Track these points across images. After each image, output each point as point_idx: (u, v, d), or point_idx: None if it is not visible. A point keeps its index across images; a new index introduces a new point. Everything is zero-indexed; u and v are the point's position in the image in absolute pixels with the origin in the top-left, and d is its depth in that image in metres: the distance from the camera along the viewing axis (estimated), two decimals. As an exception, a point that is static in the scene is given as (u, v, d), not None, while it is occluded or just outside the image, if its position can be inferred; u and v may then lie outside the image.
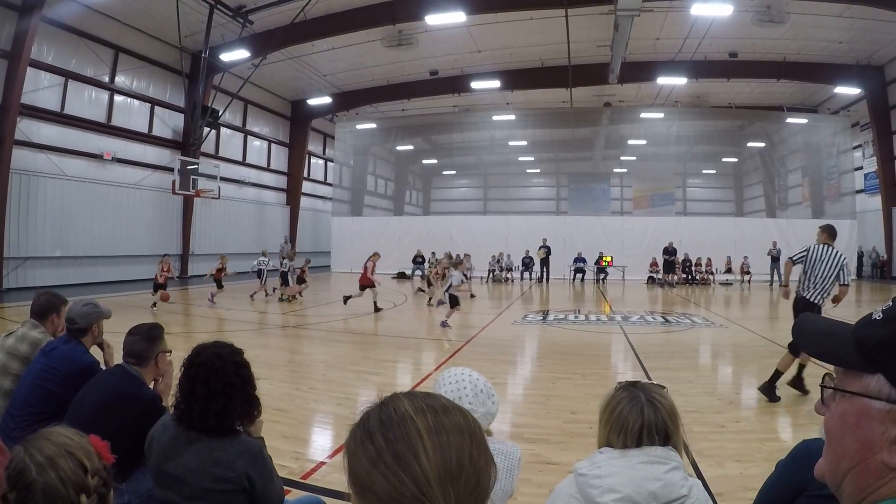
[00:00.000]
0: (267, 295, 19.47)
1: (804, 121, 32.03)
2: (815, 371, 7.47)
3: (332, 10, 22.80)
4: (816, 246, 7.71)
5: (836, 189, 31.24)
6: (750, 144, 36.01)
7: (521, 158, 39.21)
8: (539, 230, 29.95)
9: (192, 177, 24.29)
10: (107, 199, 22.49)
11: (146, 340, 3.38)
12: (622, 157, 36.77)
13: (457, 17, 21.61)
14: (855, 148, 30.72)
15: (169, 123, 25.86)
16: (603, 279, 28.94)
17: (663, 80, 28.11)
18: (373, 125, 36.10)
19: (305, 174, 36.92)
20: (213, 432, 2.47)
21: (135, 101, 24.05)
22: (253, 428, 2.79)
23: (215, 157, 28.36)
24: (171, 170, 23.96)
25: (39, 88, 19.75)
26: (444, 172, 44.42)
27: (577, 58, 25.59)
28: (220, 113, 25.76)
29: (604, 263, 28.94)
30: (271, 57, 25.09)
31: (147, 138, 24.69)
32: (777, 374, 7.10)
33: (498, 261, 29.72)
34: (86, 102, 21.71)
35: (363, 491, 0.90)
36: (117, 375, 3.31)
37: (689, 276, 27.70)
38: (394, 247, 30.40)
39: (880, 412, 0.88)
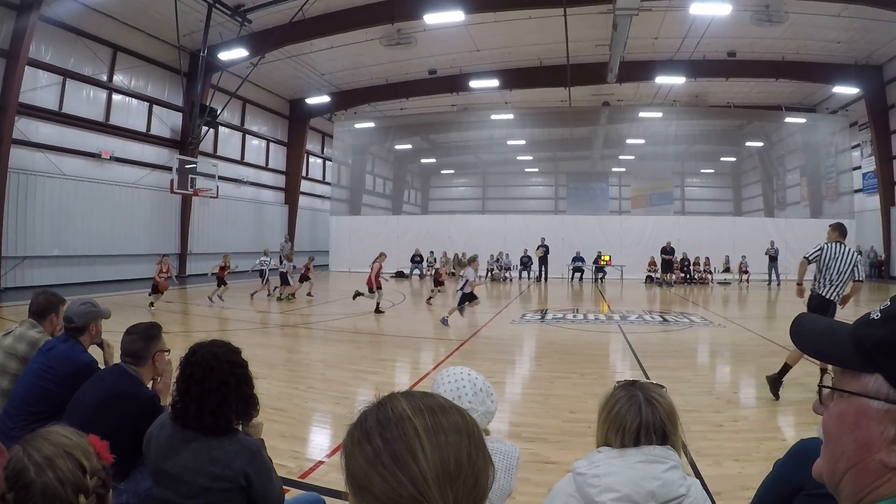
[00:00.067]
0: (269, 294, 19.46)
1: (802, 120, 32.04)
2: (813, 370, 7.50)
3: (330, 9, 22.77)
4: (830, 244, 7.78)
5: (834, 188, 31.26)
6: (748, 144, 36.05)
7: (519, 158, 39.26)
8: (537, 229, 29.96)
9: (190, 176, 24.24)
10: (105, 198, 22.46)
11: (143, 340, 3.37)
12: (620, 157, 36.77)
13: (455, 16, 21.59)
14: (853, 147, 30.71)
15: (167, 122, 25.83)
16: (601, 278, 28.96)
17: (662, 80, 28.12)
18: (371, 124, 36.06)
19: (304, 173, 36.89)
20: (209, 431, 2.46)
21: (133, 100, 24.03)
22: (253, 430, 2.78)
23: (213, 156, 28.32)
24: (170, 169, 23.94)
25: (37, 87, 19.72)
26: (443, 171, 44.40)
27: (575, 57, 25.58)
28: (219, 112, 25.73)
29: (602, 263, 28.98)
30: (270, 56, 25.11)
31: (145, 137, 24.67)
32: (786, 368, 7.12)
33: (497, 260, 29.73)
34: (84, 101, 21.68)
35: (361, 491, 0.90)
36: (115, 375, 3.30)
37: (688, 276, 27.71)
38: (392, 246, 30.36)
39: (879, 412, 0.88)
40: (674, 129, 32.65)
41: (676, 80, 28.13)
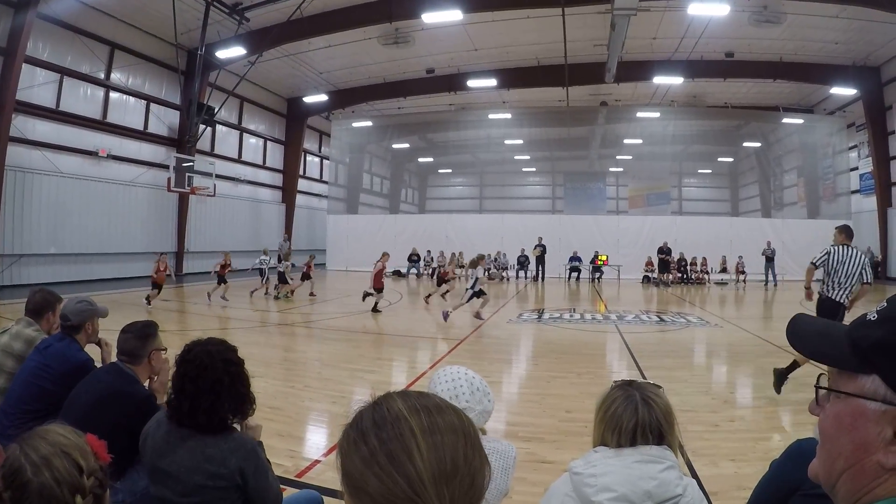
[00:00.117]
0: (266, 293, 19.45)
1: (800, 121, 32.08)
2: (811, 371, 7.52)
3: (328, 8, 22.76)
4: (837, 247, 7.78)
5: (831, 189, 31.29)
6: (746, 144, 36.06)
7: (517, 157, 39.23)
8: (535, 229, 29.98)
9: (187, 174, 24.20)
10: (102, 196, 22.41)
11: (139, 338, 3.37)
12: (618, 157, 36.82)
13: (453, 15, 21.56)
14: (850, 149, 30.76)
15: (164, 120, 25.78)
16: (598, 278, 28.97)
17: (660, 80, 28.13)
18: (369, 123, 36.00)
19: (301, 172, 36.80)
20: (203, 429, 2.46)
21: (130, 97, 23.97)
22: (252, 432, 2.78)
23: (211, 154, 28.29)
24: (167, 167, 23.85)
25: (35, 85, 19.67)
26: (440, 171, 44.36)
27: (573, 57, 25.58)
28: (216, 110, 25.72)
29: (599, 262, 28.99)
30: (267, 54, 25.07)
31: (142, 135, 24.61)
32: (794, 365, 7.12)
33: (494, 259, 29.72)
34: (81, 99, 21.62)
35: (356, 491, 0.90)
36: (111, 374, 3.30)
37: (685, 276, 27.74)
38: (389, 245, 30.17)
39: (876, 413, 0.88)
40: (671, 129, 32.69)
41: (674, 81, 28.15)
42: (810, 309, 7.57)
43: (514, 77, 29.11)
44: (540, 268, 28.78)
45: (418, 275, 30.52)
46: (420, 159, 43.14)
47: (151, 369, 3.42)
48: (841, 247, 7.77)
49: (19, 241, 19.29)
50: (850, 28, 22.67)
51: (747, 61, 26.36)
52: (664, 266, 27.52)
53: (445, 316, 13.43)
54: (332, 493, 3.77)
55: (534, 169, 41.54)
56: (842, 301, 7.64)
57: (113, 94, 23.00)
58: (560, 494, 2.05)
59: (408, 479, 0.86)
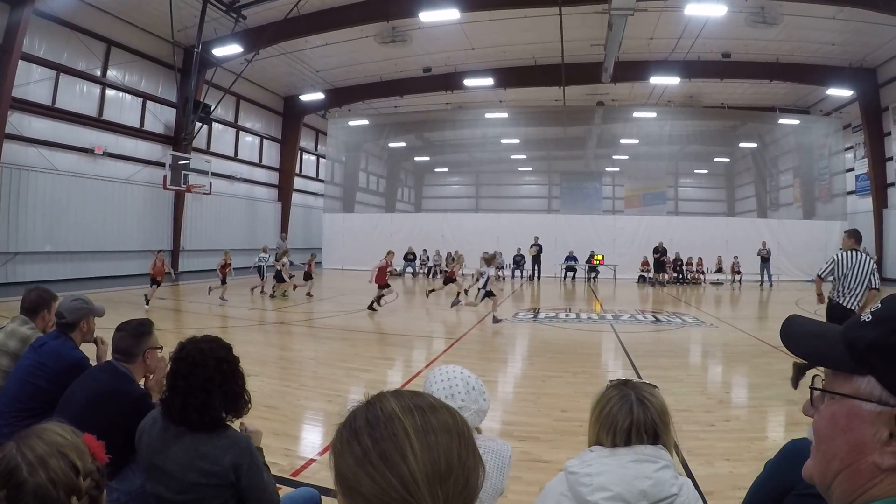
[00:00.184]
0: (262, 291, 19.42)
1: (796, 122, 32.11)
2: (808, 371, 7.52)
3: (325, 6, 22.73)
4: (843, 253, 7.78)
5: (827, 190, 31.36)
6: (742, 145, 36.15)
7: (513, 156, 39.29)
8: (531, 228, 29.97)
9: (183, 172, 24.15)
10: (98, 193, 22.33)
11: (133, 336, 3.36)
12: (614, 157, 36.85)
13: (451, 14, 21.54)
14: (846, 149, 30.78)
15: (160, 118, 25.71)
16: (594, 278, 28.98)
17: (656, 80, 28.12)
18: (365, 122, 35.90)
19: (297, 170, 36.74)
20: (196, 427, 2.47)
21: (126, 95, 23.89)
22: (251, 437, 2.77)
23: (207, 152, 28.20)
24: (163, 165, 23.80)
25: (31, 82, 19.60)
26: (437, 170, 44.39)
27: (570, 56, 25.56)
28: (212, 108, 25.67)
29: (595, 262, 29.00)
30: (264, 52, 25.02)
31: (138, 133, 24.54)
32: None
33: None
34: (77, 96, 21.55)
35: (350, 492, 0.89)
36: (106, 372, 3.29)
37: (680, 276, 27.78)
38: (385, 244, 30.14)
39: (871, 414, 0.88)
40: (668, 129, 32.73)
41: (671, 81, 28.14)
42: (823, 316, 7.58)
43: (510, 76, 29.10)
44: (536, 267, 28.79)
45: (414, 274, 30.51)
46: (416, 158, 43.11)
47: (146, 368, 3.41)
48: (849, 252, 7.78)
49: (14, 238, 19.22)
50: (846, 29, 22.70)
51: (744, 62, 26.37)
52: (660, 266, 27.56)
53: (456, 303, 13.48)
54: (326, 492, 3.76)
55: (530, 168, 41.59)
56: (852, 308, 7.63)
57: (109, 92, 22.93)
58: (555, 494, 2.05)
59: (401, 480, 0.85)
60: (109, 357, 3.47)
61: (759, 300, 21.35)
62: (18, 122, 19.14)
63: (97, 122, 22.33)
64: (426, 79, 30.03)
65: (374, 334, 12.62)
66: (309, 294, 18.98)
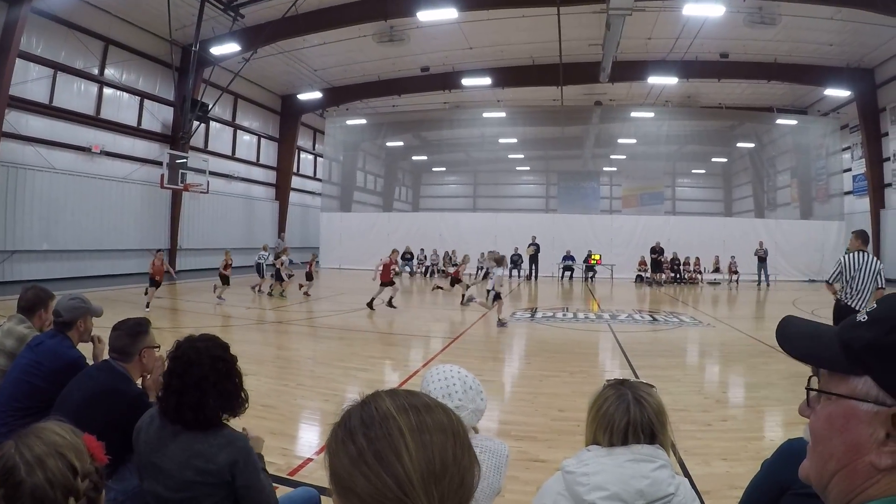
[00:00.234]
0: (259, 290, 19.41)
1: (794, 122, 32.15)
2: (802, 370, 7.53)
3: (323, 5, 22.70)
4: (850, 255, 7.82)
5: (824, 190, 31.38)
6: (739, 145, 36.17)
7: (510, 156, 39.24)
8: (528, 228, 30.02)
9: (180, 171, 24.11)
10: (95, 192, 22.29)
11: (130, 335, 3.35)
12: (612, 156, 36.80)
13: (449, 13, 21.53)
14: (844, 150, 30.79)
15: (158, 117, 25.67)
16: (591, 277, 28.99)
17: (654, 80, 28.13)
18: (363, 121, 35.89)
19: (295, 169, 36.72)
20: (191, 425, 2.47)
21: (124, 94, 23.84)
22: (252, 444, 2.76)
23: (204, 151, 28.17)
24: (160, 164, 23.75)
25: (28, 80, 19.54)
26: (434, 169, 44.32)
27: (568, 56, 25.56)
28: (210, 107, 25.61)
29: (592, 262, 29.00)
30: (262, 51, 24.98)
31: (136, 132, 24.50)
32: None
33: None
34: (75, 95, 21.51)
35: (345, 492, 0.89)
36: (103, 371, 3.28)
37: (677, 276, 27.81)
38: (382, 243, 30.33)
39: (868, 414, 0.88)
40: (665, 129, 32.74)
41: (669, 81, 28.14)
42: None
43: (508, 76, 29.10)
44: (533, 267, 28.80)
45: (412, 273, 30.49)
46: (414, 157, 43.04)
47: (143, 367, 3.40)
48: (856, 253, 7.81)
49: (11, 237, 19.18)
50: (844, 30, 22.73)
51: (742, 62, 26.39)
52: (656, 266, 27.59)
53: (500, 324, 13.39)
54: (324, 492, 3.76)
55: (528, 168, 41.56)
56: (860, 309, 7.66)
57: (107, 90, 22.89)
58: (552, 493, 2.05)
59: (396, 479, 0.85)
60: (106, 356, 3.46)
61: (756, 300, 21.37)
62: (16, 120, 19.10)
63: (95, 121, 22.29)
64: (424, 78, 30.02)
65: (371, 333, 12.61)
66: (306, 293, 18.94)
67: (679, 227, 30.23)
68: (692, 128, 34.01)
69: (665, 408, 2.13)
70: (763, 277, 26.36)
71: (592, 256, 29.01)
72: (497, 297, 13.85)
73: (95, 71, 22.17)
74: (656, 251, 27.64)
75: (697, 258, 28.11)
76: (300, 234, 36.49)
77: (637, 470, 1.94)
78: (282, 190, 35.33)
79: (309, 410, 6.81)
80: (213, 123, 28.66)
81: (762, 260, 26.49)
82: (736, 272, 26.99)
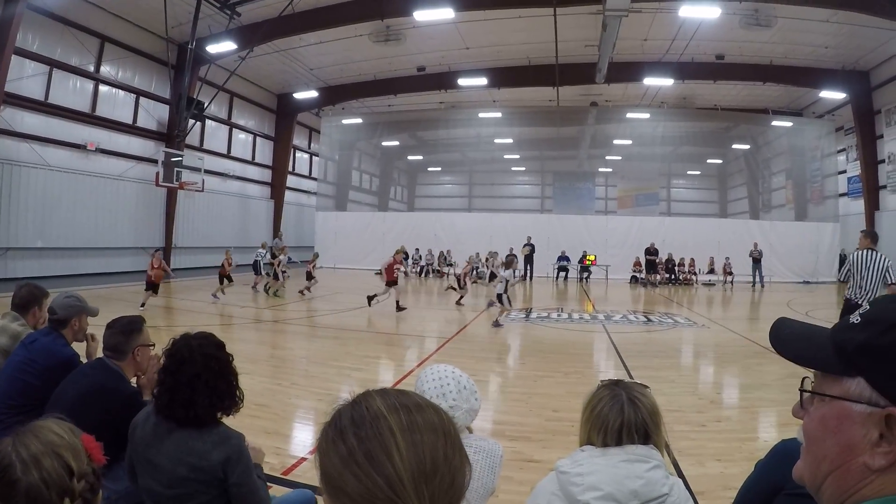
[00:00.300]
0: (255, 288, 19.39)
1: (789, 124, 32.24)
2: (796, 371, 7.54)
3: (320, 4, 22.67)
4: (858, 253, 7.89)
5: (819, 192, 31.46)
6: (735, 146, 36.17)
7: (506, 156, 39.21)
8: (523, 228, 30.05)
9: (175, 169, 24.04)
10: (90, 189, 22.23)
11: (123, 334, 3.34)
12: (607, 157, 36.79)
13: (445, 13, 21.52)
14: (839, 152, 30.91)
15: (154, 115, 25.61)
16: (586, 278, 29.02)
17: (650, 81, 28.15)
18: (359, 120, 35.87)
19: (290, 168, 36.68)
20: (184, 423, 2.47)
21: (120, 91, 23.79)
22: (252, 454, 2.75)
23: (200, 149, 28.11)
24: (156, 161, 23.68)
25: (24, 77, 19.48)
26: (430, 169, 44.23)
27: (564, 57, 25.59)
28: (206, 105, 25.54)
29: (587, 262, 29.05)
30: (258, 49, 24.92)
31: (131, 129, 24.44)
32: None
33: (486, 259, 29.66)
34: (70, 92, 21.44)
35: (335, 492, 0.89)
36: (97, 369, 3.28)
37: (672, 276, 27.84)
38: (378, 243, 30.43)
39: (861, 415, 0.88)
40: (661, 130, 32.80)
41: (664, 82, 28.18)
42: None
43: (504, 76, 29.08)
44: (528, 267, 28.78)
45: (407, 273, 30.45)
46: (409, 157, 42.99)
47: (137, 365, 3.39)
48: (864, 251, 7.89)
49: (6, 234, 19.11)
50: (840, 33, 22.78)
51: (737, 64, 26.43)
52: (651, 266, 27.65)
53: (496, 325, 13.39)
54: (318, 492, 3.76)
55: (523, 168, 41.51)
56: None
57: (102, 88, 22.83)
58: (546, 493, 2.05)
59: (387, 479, 0.85)
60: (100, 354, 3.45)
61: (750, 301, 21.41)
62: (11, 117, 19.06)
63: (90, 118, 22.23)
64: (420, 78, 30.00)
65: (366, 333, 12.60)
66: (301, 292, 18.90)
67: (674, 228, 30.30)
68: (687, 129, 34.04)
69: (659, 408, 2.13)
70: (758, 279, 26.44)
71: (587, 257, 29.08)
72: (500, 298, 13.86)
73: (91, 68, 22.11)
74: (651, 252, 27.72)
75: (692, 259, 28.17)
76: (295, 233, 36.37)
77: (631, 470, 1.94)
78: (277, 189, 35.29)
79: (303, 410, 6.80)
80: (208, 122, 28.60)
81: (757, 261, 26.56)
82: (731, 273, 27.06)
